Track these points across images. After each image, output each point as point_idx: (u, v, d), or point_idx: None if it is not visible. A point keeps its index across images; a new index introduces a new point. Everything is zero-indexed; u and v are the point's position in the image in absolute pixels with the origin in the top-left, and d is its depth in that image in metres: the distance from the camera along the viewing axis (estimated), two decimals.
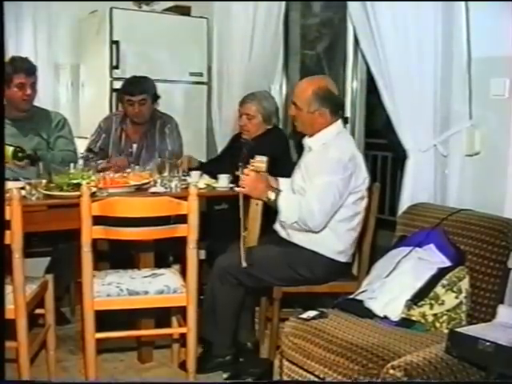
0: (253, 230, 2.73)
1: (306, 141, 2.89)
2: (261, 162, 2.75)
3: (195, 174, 3.21)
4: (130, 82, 3.66)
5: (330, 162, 2.65)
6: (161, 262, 2.94)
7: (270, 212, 2.79)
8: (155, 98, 3.68)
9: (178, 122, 3.78)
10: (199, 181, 3.15)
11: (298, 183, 2.80)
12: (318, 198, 2.62)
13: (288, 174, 2.97)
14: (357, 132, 3.82)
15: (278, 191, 2.68)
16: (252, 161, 2.75)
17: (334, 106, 2.75)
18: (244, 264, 2.65)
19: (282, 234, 2.90)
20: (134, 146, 3.78)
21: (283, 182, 2.96)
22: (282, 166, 3.09)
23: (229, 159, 3.41)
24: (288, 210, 2.67)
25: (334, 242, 2.82)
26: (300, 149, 3.08)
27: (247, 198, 2.75)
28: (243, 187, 2.68)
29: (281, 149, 3.43)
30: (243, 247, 2.66)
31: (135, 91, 3.59)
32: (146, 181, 3.02)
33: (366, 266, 2.93)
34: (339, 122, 2.86)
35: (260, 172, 2.74)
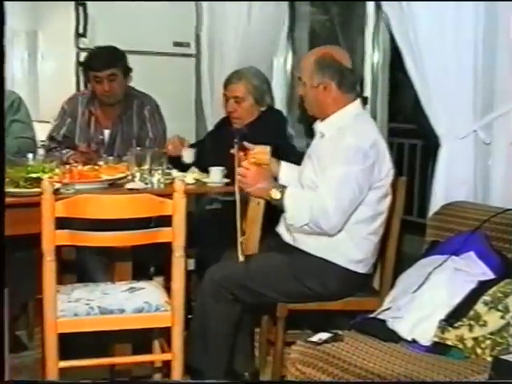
0: (252, 235, 2.76)
1: (318, 125, 2.89)
2: (263, 152, 2.78)
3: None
4: (94, 55, 3.67)
5: (347, 150, 2.66)
6: (140, 274, 2.99)
7: (271, 210, 2.82)
8: (127, 71, 3.68)
9: (158, 104, 3.79)
10: (187, 175, 3.19)
11: (308, 176, 2.80)
12: (333, 193, 2.62)
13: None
14: (378, 115, 3.82)
15: (283, 188, 2.71)
16: (252, 152, 2.77)
17: (342, 78, 2.76)
18: (241, 258, 2.69)
19: (287, 238, 2.91)
20: (106, 132, 3.80)
21: (287, 169, 2.97)
22: (285, 156, 3.09)
23: (216, 149, 3.42)
24: (297, 209, 2.69)
25: (351, 249, 2.82)
26: (310, 136, 3.11)
27: (245, 195, 2.79)
28: (243, 184, 2.71)
29: (280, 135, 3.46)
30: (241, 248, 2.71)
31: (101, 65, 3.60)
32: (122, 175, 3.05)
33: (389, 278, 2.95)
34: (357, 103, 2.86)
35: (262, 165, 2.76)
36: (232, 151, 2.81)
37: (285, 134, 3.60)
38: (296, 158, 3.08)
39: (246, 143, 2.85)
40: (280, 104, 4.24)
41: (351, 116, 2.80)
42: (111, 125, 3.76)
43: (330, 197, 2.61)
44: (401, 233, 2.99)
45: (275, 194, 2.72)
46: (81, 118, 3.76)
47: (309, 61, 2.78)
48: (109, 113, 3.74)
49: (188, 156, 3.38)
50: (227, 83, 3.55)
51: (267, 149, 2.78)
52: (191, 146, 3.59)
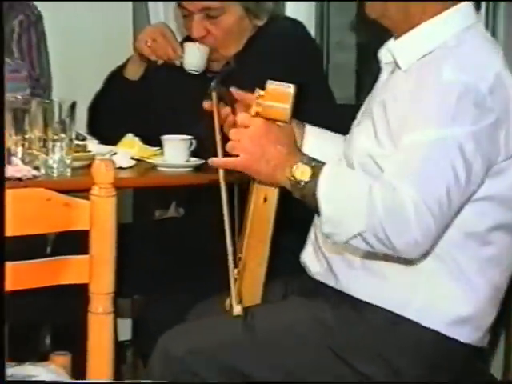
0: (255, 264, 2.24)
1: (389, 48, 2.26)
2: (280, 94, 2.15)
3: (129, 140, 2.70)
4: None
5: (444, 95, 2.08)
6: (27, 349, 2.75)
7: (288, 213, 2.27)
8: None
9: (42, 14, 3.26)
10: (118, 150, 2.62)
11: (364, 147, 2.24)
12: (417, 177, 2.07)
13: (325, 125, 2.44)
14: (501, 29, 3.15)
15: (316, 163, 2.14)
16: (259, 92, 2.14)
17: None
18: (237, 309, 2.15)
19: (316, 269, 2.34)
20: None
21: (317, 138, 2.48)
22: (313, 114, 2.45)
23: (173, 103, 2.87)
24: (343, 204, 2.13)
25: (451, 293, 2.21)
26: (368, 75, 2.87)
27: (241, 184, 2.22)
28: (235, 154, 2.14)
29: (302, 69, 2.79)
30: (233, 278, 2.16)
31: None
32: None
33: None
34: (467, 5, 2.22)
35: (276, 121, 2.14)
36: (205, 105, 2.24)
37: (313, 69, 2.87)
38: (335, 119, 2.49)
39: (234, 89, 2.25)
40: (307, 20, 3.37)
41: (453, 31, 2.22)
42: None
43: (410, 184, 2.05)
44: None
45: (302, 172, 2.13)
46: None
47: None
48: None
49: (194, 54, 2.77)
50: None
51: (289, 89, 2.12)
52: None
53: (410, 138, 2.04)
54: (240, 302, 2.08)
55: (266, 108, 2.06)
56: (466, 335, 2.13)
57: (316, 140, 2.41)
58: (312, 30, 3.49)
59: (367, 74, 2.66)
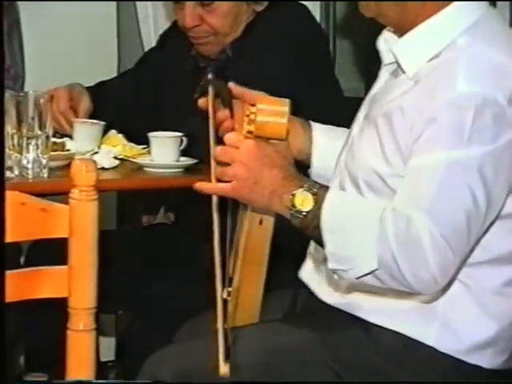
0: (248, 286, 2.12)
1: (392, 48, 2.13)
2: (274, 108, 2.01)
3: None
4: None
5: (459, 112, 1.92)
6: None
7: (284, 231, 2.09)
8: None
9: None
10: (101, 151, 2.55)
11: (372, 163, 2.09)
12: (433, 205, 1.93)
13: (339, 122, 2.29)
14: None
15: (318, 188, 1.97)
16: (250, 109, 2.01)
17: None
18: (224, 369, 1.86)
19: (318, 288, 2.20)
20: None
21: (329, 140, 2.33)
22: (323, 115, 2.31)
23: (162, 96, 2.83)
24: (351, 239, 1.98)
25: (469, 314, 2.07)
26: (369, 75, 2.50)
27: (235, 203, 2.09)
28: (226, 179, 2.01)
29: (309, 61, 2.68)
30: (223, 330, 1.88)
31: None
32: None
33: None
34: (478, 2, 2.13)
35: (270, 139, 2.02)
36: (201, 102, 2.10)
37: (318, 56, 2.74)
38: (341, 111, 2.37)
39: (233, 84, 2.12)
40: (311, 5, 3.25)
41: (462, 26, 2.06)
42: None
43: (425, 214, 1.91)
44: None
45: (302, 200, 1.98)
46: None
47: None
48: None
49: (83, 134, 2.62)
50: None
51: (284, 103, 2.00)
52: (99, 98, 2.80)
53: (422, 161, 1.92)
54: (228, 357, 1.84)
55: (259, 125, 1.94)
56: (488, 360, 2.02)
57: (325, 139, 2.26)
58: (317, 16, 3.40)
59: (378, 63, 2.52)
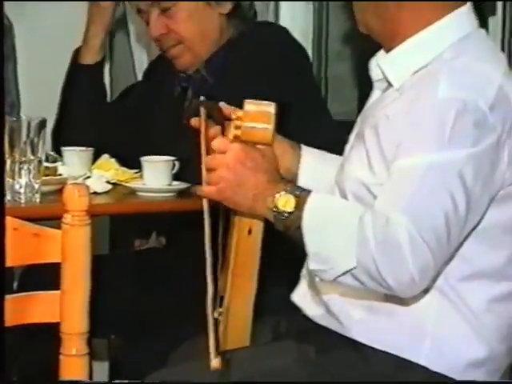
0: (241, 304, 2.14)
1: (379, 63, 2.20)
2: (261, 113, 2.06)
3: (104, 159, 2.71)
4: None
5: (440, 115, 2.00)
6: None
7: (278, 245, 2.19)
8: None
9: (12, 23, 3.25)
10: (93, 175, 2.59)
11: (354, 172, 2.16)
12: (411, 206, 1.98)
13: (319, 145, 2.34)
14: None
15: (300, 191, 2.05)
16: (236, 113, 2.06)
17: None
18: (215, 364, 1.92)
19: (312, 311, 2.21)
20: None
21: (314, 160, 2.41)
22: (307, 134, 2.44)
23: (152, 121, 2.84)
24: (329, 238, 2.02)
25: (461, 333, 2.11)
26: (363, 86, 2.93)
27: (228, 209, 2.14)
28: (212, 182, 2.07)
29: (290, 80, 2.74)
30: (213, 322, 1.95)
31: None
32: None
33: None
34: (466, 11, 2.17)
35: (257, 143, 2.07)
36: (193, 122, 2.12)
37: (301, 81, 2.78)
38: (330, 137, 2.48)
39: (223, 104, 2.14)
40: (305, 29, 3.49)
41: (449, 41, 2.13)
42: None
43: (404, 214, 1.95)
44: None
45: (285, 202, 2.03)
46: None
47: None
48: None
49: (72, 160, 2.71)
50: None
51: (271, 107, 2.03)
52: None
53: (402, 163, 1.96)
54: (219, 352, 1.91)
55: (245, 130, 1.99)
56: (483, 378, 2.03)
57: (314, 163, 2.31)
58: (309, 39, 3.49)
59: (370, 87, 2.57)
